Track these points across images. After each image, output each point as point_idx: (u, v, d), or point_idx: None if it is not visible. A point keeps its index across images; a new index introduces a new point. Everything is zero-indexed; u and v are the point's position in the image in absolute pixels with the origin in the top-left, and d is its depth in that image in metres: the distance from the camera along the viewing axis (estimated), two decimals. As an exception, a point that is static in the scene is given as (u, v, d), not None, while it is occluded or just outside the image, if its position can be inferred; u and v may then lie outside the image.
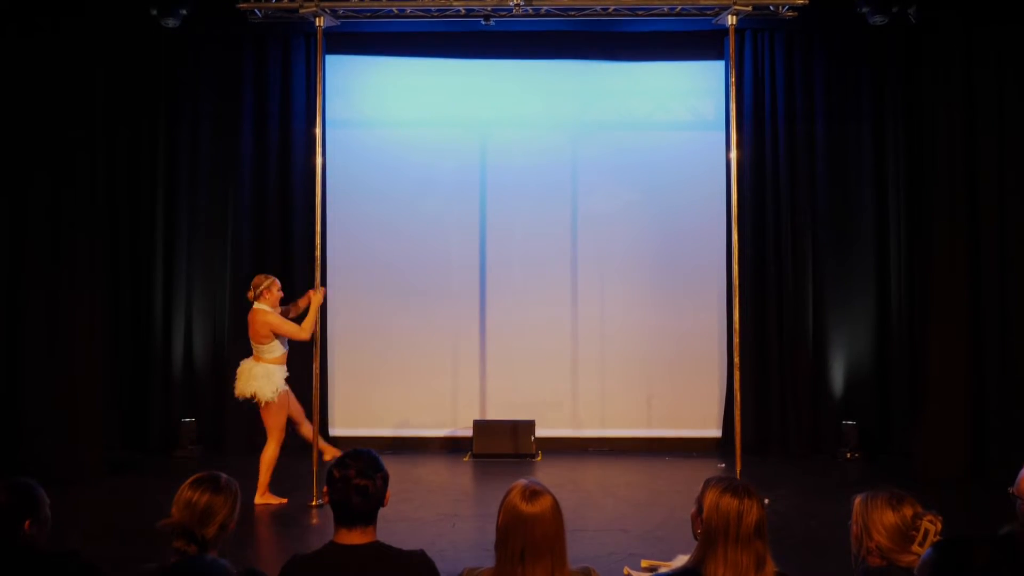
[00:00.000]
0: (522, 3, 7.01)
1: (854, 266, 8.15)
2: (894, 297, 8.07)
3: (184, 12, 7.33)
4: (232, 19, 7.40)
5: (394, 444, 8.12)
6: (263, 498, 6.36)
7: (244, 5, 7.13)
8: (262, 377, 6.30)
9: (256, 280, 6.43)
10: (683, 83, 8.53)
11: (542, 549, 2.50)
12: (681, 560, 4.02)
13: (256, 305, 6.34)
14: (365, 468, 2.74)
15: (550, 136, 8.54)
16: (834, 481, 7.16)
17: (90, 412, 7.17)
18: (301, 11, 6.74)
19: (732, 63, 6.90)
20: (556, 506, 2.56)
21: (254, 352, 6.39)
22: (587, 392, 8.46)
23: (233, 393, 8.06)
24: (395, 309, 8.44)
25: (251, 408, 8.10)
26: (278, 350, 6.37)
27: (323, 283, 6.71)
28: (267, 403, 6.31)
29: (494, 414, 8.35)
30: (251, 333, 6.38)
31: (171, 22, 7.36)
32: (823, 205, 8.14)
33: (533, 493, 2.55)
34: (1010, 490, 3.05)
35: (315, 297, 6.43)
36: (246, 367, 6.41)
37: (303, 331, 6.33)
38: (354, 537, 2.73)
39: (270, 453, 6.39)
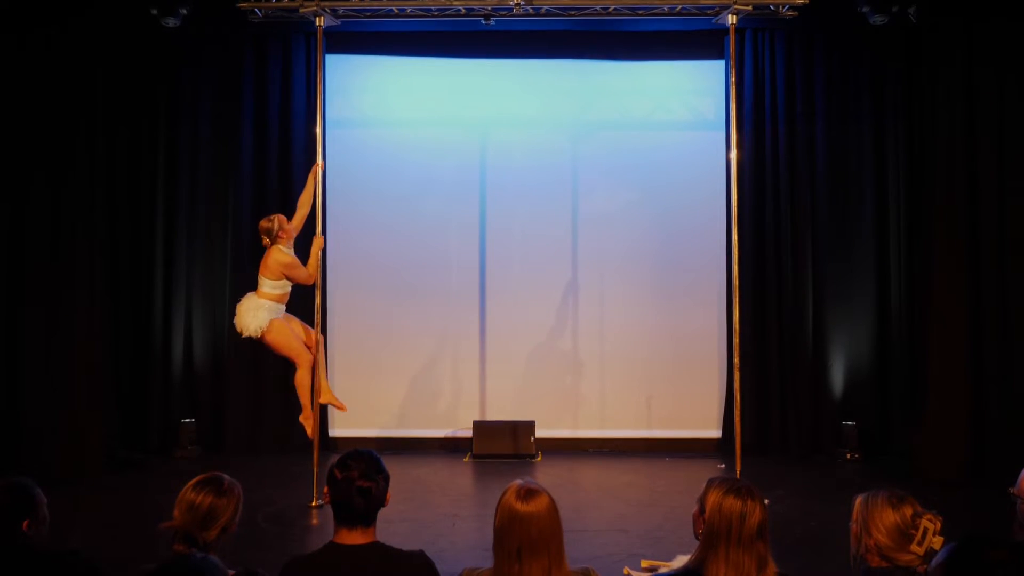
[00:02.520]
0: (522, 2, 7.01)
1: (854, 266, 8.15)
2: (894, 297, 8.07)
3: (184, 12, 7.34)
4: (232, 19, 7.42)
5: (394, 444, 8.12)
6: (307, 418, 6.35)
7: (244, 5, 7.14)
8: (249, 311, 6.22)
9: (263, 226, 6.23)
10: (683, 83, 8.53)
11: (538, 547, 2.50)
12: (681, 560, 4.02)
13: (274, 246, 6.22)
14: (368, 469, 2.73)
15: (550, 136, 8.54)
16: (834, 481, 7.16)
17: (90, 412, 7.17)
18: (301, 11, 6.74)
19: (732, 63, 6.90)
20: (552, 505, 2.57)
21: (258, 286, 6.27)
22: (587, 392, 8.46)
23: (233, 393, 8.14)
24: (395, 309, 8.44)
25: (250, 408, 8.16)
26: (279, 289, 6.26)
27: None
28: (263, 336, 6.22)
29: (494, 414, 8.35)
30: (262, 268, 6.25)
31: (171, 22, 7.36)
32: (823, 205, 8.14)
33: (528, 492, 2.56)
34: (1011, 490, 3.05)
35: (316, 242, 6.40)
36: (243, 302, 6.30)
37: (309, 276, 6.31)
38: (354, 537, 2.73)
39: (299, 378, 6.32)
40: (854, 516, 2.72)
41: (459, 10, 7.26)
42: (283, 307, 6.34)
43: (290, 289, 6.34)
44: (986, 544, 1.98)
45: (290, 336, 6.28)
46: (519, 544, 2.50)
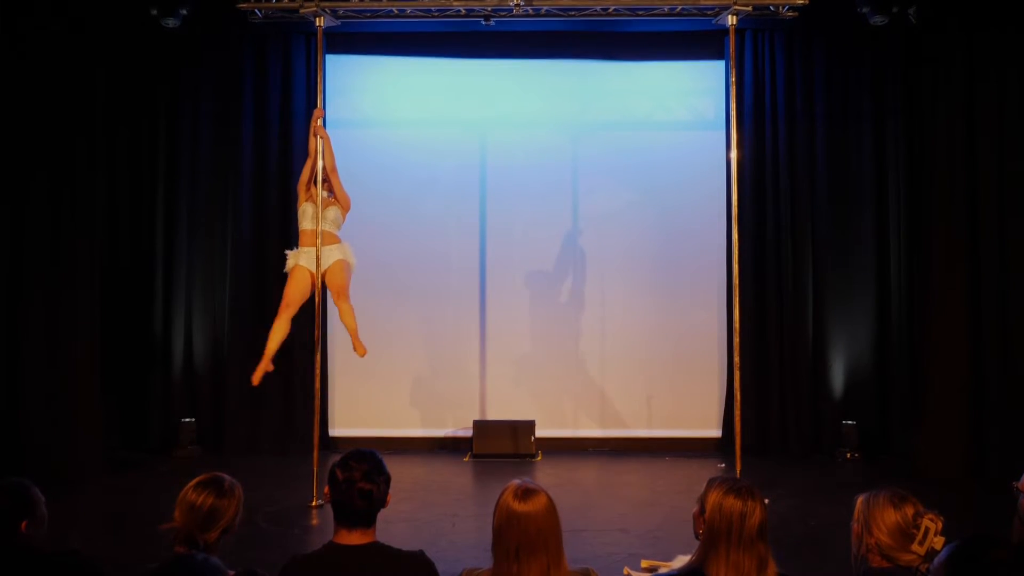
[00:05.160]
0: (522, 3, 7.01)
1: (854, 266, 8.15)
2: (894, 297, 8.07)
3: (184, 12, 7.34)
4: (232, 19, 7.41)
5: (394, 444, 8.11)
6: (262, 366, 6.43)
7: (244, 5, 7.13)
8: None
9: None
10: (683, 83, 8.53)
11: (536, 546, 2.50)
12: (681, 560, 4.03)
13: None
14: (370, 471, 2.73)
15: (550, 136, 8.54)
16: (834, 481, 7.15)
17: (90, 412, 7.17)
18: (301, 11, 6.74)
19: (732, 63, 6.90)
20: (550, 504, 2.57)
21: None
22: (587, 392, 8.46)
23: (233, 393, 8.14)
24: (395, 309, 8.44)
25: (250, 408, 8.17)
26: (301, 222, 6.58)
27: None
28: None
29: (494, 414, 8.35)
30: None
31: (171, 22, 7.36)
32: (823, 205, 8.14)
33: (526, 492, 2.56)
34: (1014, 484, 3.06)
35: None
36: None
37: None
38: (354, 537, 2.73)
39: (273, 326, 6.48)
40: (855, 515, 2.72)
41: (459, 10, 7.26)
42: (301, 252, 6.50)
43: (306, 227, 6.49)
44: (988, 544, 1.98)
45: (287, 289, 6.48)
46: (517, 544, 2.50)
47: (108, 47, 7.58)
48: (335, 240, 6.53)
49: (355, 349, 6.53)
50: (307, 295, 6.49)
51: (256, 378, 6.40)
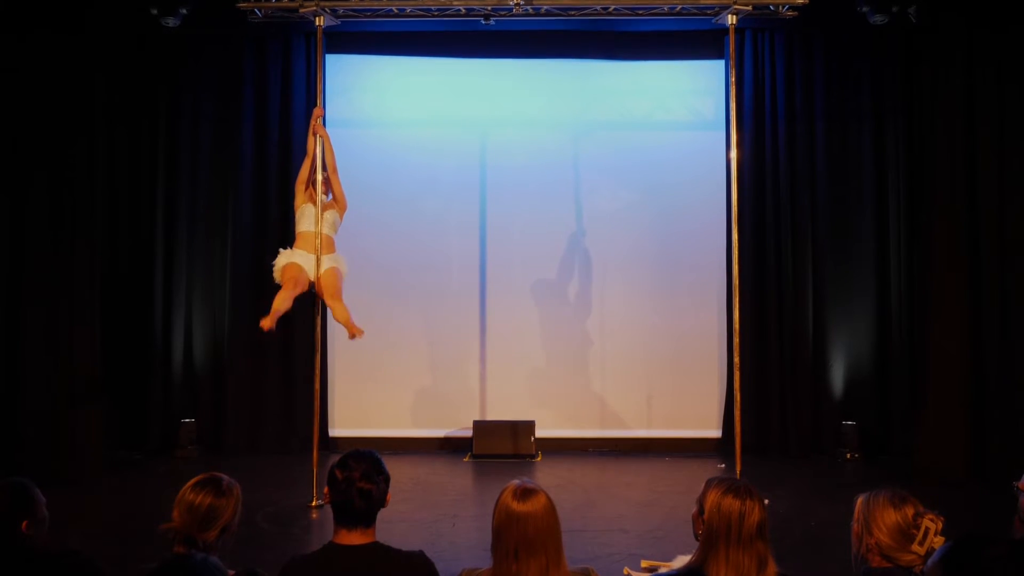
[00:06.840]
0: (522, 2, 7.01)
1: (854, 266, 8.15)
2: (894, 297, 8.07)
3: (184, 12, 7.33)
4: (232, 19, 7.41)
5: (394, 444, 8.11)
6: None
7: (244, 5, 7.13)
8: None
9: None
10: (683, 83, 8.53)
11: (535, 546, 2.51)
12: (681, 560, 4.02)
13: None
14: (369, 471, 2.73)
15: (550, 136, 8.54)
16: (834, 481, 7.16)
17: (90, 412, 7.17)
18: (301, 11, 6.75)
19: (732, 63, 6.91)
20: (549, 504, 2.57)
21: None
22: (587, 392, 8.45)
23: (233, 393, 8.15)
24: (395, 309, 8.44)
25: (250, 408, 8.17)
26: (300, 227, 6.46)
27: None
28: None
29: (494, 414, 8.35)
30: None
31: (171, 22, 7.36)
32: (823, 205, 8.14)
33: (525, 492, 2.57)
34: (1015, 484, 3.06)
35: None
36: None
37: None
38: (354, 538, 2.73)
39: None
40: (856, 515, 2.71)
41: (459, 10, 7.26)
42: (296, 253, 6.34)
43: (305, 229, 6.37)
44: (983, 541, 1.98)
45: (285, 285, 6.26)
46: (517, 544, 2.51)
47: (108, 47, 7.58)
48: (331, 249, 6.41)
49: (352, 336, 6.31)
50: (303, 282, 6.26)
51: (264, 323, 6.08)
